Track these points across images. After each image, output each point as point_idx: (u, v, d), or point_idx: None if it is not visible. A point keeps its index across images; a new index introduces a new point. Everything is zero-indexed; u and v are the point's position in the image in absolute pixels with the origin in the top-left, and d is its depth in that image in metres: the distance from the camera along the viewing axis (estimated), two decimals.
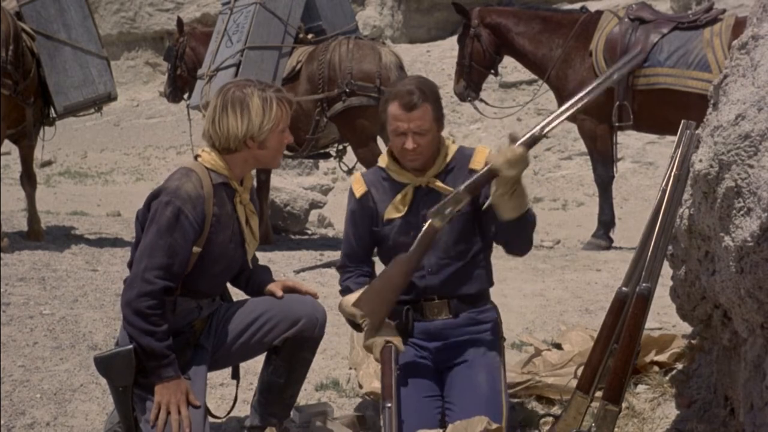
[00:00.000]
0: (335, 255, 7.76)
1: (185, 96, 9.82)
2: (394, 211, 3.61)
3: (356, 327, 3.70)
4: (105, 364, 3.36)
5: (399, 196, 3.60)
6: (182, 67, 9.66)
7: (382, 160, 3.69)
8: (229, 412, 3.81)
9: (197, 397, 3.34)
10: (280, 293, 3.60)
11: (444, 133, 3.73)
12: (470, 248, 3.65)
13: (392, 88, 3.59)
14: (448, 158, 3.62)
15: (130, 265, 3.45)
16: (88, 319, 5.52)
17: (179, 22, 9.96)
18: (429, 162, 3.58)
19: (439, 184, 3.57)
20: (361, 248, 3.74)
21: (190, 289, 3.44)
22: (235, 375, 3.77)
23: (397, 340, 3.50)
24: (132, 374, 3.32)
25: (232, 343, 3.56)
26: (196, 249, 3.35)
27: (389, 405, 3.31)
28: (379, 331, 3.49)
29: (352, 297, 3.56)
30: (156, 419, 3.26)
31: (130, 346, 3.29)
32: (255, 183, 9.66)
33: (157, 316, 3.25)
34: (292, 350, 3.57)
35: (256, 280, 3.71)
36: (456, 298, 3.66)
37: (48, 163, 20.02)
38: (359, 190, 3.69)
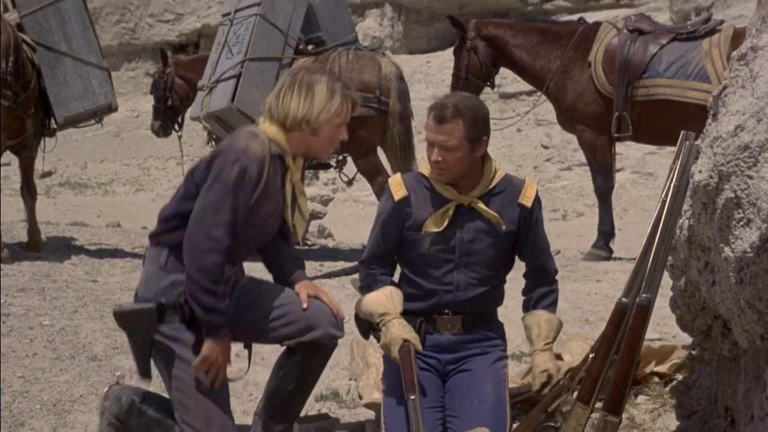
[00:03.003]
0: (335, 266, 7.77)
1: (176, 126, 9.83)
2: (432, 225, 3.62)
3: (366, 332, 3.73)
4: (125, 319, 3.41)
5: (441, 211, 3.61)
6: (173, 98, 9.63)
7: (425, 169, 3.69)
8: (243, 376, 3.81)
9: None
10: (305, 301, 3.58)
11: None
12: (500, 274, 3.77)
13: (436, 101, 3.61)
14: (494, 182, 3.65)
15: (164, 218, 3.51)
16: (88, 329, 5.52)
17: (163, 54, 9.97)
18: (469, 181, 3.61)
19: (481, 206, 3.61)
20: (387, 249, 3.74)
21: None
22: (248, 345, 3.75)
23: (414, 339, 3.54)
24: (153, 330, 3.37)
25: (247, 319, 3.56)
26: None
27: (413, 397, 3.36)
28: (397, 330, 3.53)
29: (373, 296, 3.63)
30: (199, 371, 3.34)
31: (152, 305, 3.36)
32: None
33: (220, 274, 3.31)
34: (306, 355, 3.56)
35: (286, 269, 3.73)
36: (470, 314, 3.70)
37: (48, 174, 20.01)
38: (399, 193, 3.68)
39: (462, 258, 3.63)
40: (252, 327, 3.58)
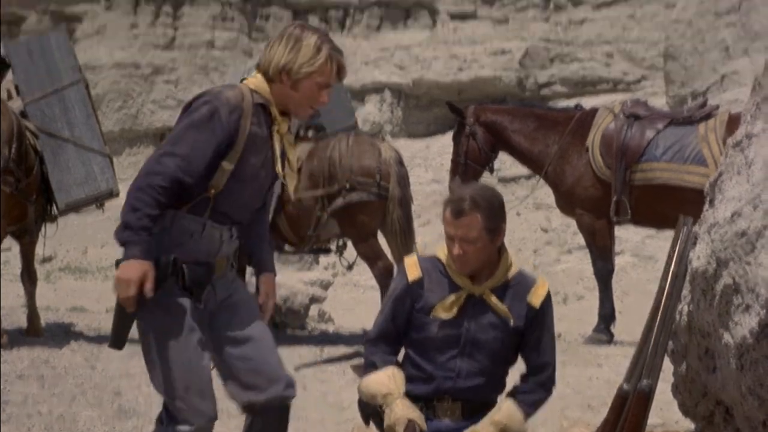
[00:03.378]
0: (336, 351, 7.72)
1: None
2: (442, 311, 3.63)
3: (367, 418, 3.70)
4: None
5: (451, 298, 3.62)
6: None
7: (442, 253, 3.70)
8: None
9: (200, 344, 3.36)
10: (263, 296, 3.67)
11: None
12: (503, 367, 3.76)
13: (451, 194, 3.67)
14: (509, 275, 3.67)
15: None
16: (86, 417, 5.47)
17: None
18: (485, 272, 3.63)
19: (493, 299, 3.62)
20: (395, 328, 3.75)
21: (219, 211, 3.41)
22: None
23: (419, 418, 3.54)
24: (159, 285, 3.27)
25: (218, 341, 3.49)
26: (228, 165, 3.36)
27: None
28: (401, 410, 3.53)
29: (375, 377, 3.62)
30: (116, 291, 3.23)
31: (170, 257, 3.31)
32: (254, 278, 9.61)
33: (153, 197, 3.22)
34: (264, 420, 3.49)
35: (261, 258, 3.77)
36: (470, 402, 3.68)
37: (48, 259, 20.02)
38: (414, 274, 3.69)
39: (467, 347, 3.63)
40: (217, 350, 3.50)
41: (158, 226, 3.32)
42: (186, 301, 3.36)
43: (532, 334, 3.70)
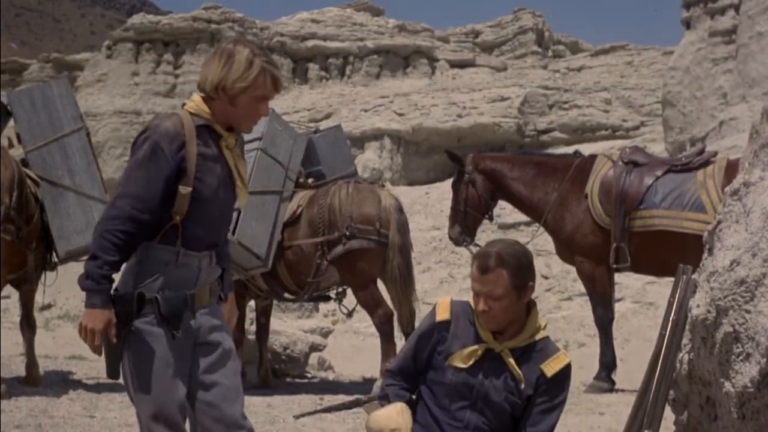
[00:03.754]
0: (336, 399, 7.68)
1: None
2: (458, 360, 3.60)
3: None
4: None
5: (469, 350, 3.59)
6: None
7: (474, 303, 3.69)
8: None
9: (175, 376, 3.40)
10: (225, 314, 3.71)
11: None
12: (512, 428, 3.67)
13: (480, 249, 3.63)
14: (536, 338, 3.59)
15: None
16: None
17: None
18: (511, 330, 3.58)
19: (510, 360, 3.56)
20: (414, 365, 3.73)
21: (190, 237, 3.47)
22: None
23: None
24: (130, 320, 3.37)
25: (190, 380, 3.51)
26: (185, 190, 3.42)
27: None
28: None
29: (384, 412, 3.60)
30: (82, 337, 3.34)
31: (134, 292, 3.38)
32: (254, 325, 9.58)
33: (111, 242, 3.33)
34: None
35: (226, 279, 3.75)
36: None
37: (48, 307, 19.99)
38: (443, 315, 3.67)
39: (478, 401, 3.59)
40: (190, 390, 3.52)
41: (135, 258, 3.44)
42: (161, 333, 3.40)
43: (534, 402, 3.58)
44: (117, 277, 3.50)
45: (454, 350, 3.62)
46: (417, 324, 3.99)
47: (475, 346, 3.59)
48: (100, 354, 3.37)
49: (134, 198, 3.38)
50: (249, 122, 3.59)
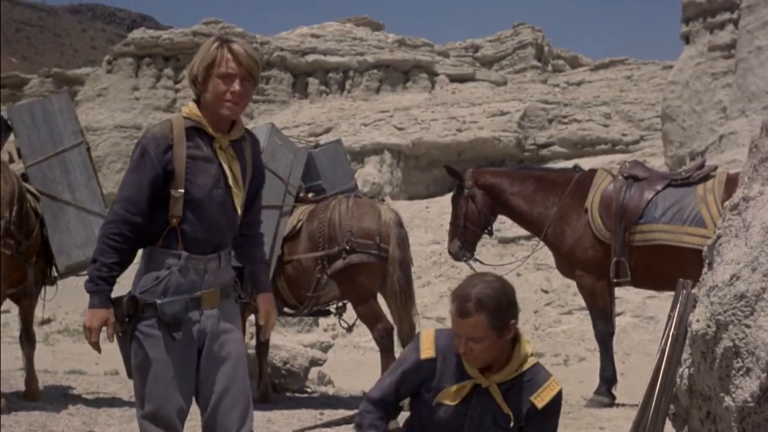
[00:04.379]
0: (336, 413, 7.66)
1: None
2: (446, 398, 3.53)
3: None
4: None
5: (455, 388, 3.52)
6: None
7: None
8: None
9: (182, 375, 3.54)
10: (263, 316, 3.86)
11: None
12: None
13: (459, 287, 3.51)
14: (523, 368, 3.51)
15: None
16: None
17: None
18: (497, 363, 3.50)
19: (497, 394, 3.49)
20: (395, 398, 3.64)
21: (190, 240, 3.57)
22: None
23: None
24: (124, 322, 3.55)
25: (203, 375, 3.62)
26: (176, 192, 3.54)
27: None
28: None
29: None
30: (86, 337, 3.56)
31: (125, 296, 3.55)
32: (254, 340, 9.56)
33: (108, 245, 3.54)
34: None
35: (255, 279, 3.90)
36: None
37: (47, 321, 19.98)
38: (428, 352, 3.57)
39: None
40: (208, 371, 3.63)
41: (141, 262, 3.63)
42: (161, 336, 3.53)
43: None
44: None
45: (443, 386, 3.54)
46: None
47: (463, 383, 3.51)
48: (98, 351, 3.56)
49: (127, 201, 3.55)
50: (221, 104, 3.59)
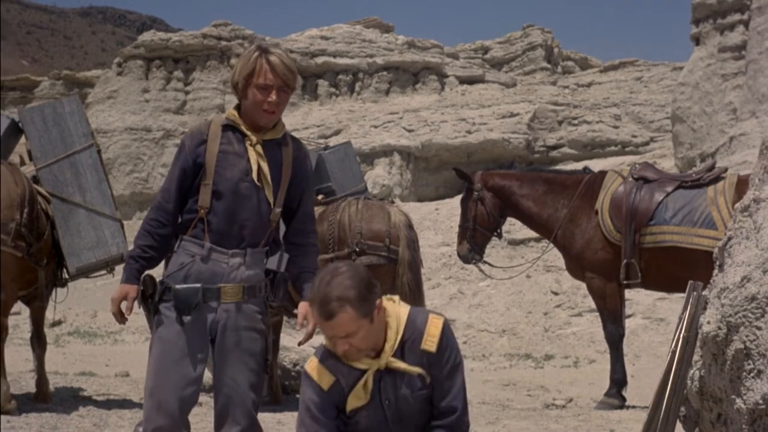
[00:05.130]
0: None
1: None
2: (356, 400, 3.43)
3: None
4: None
5: (360, 385, 3.41)
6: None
7: (330, 344, 3.47)
8: None
9: (188, 358, 3.74)
10: (300, 319, 3.84)
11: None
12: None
13: (315, 289, 3.38)
14: (401, 331, 3.43)
15: None
16: None
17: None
18: (380, 343, 3.41)
19: (398, 364, 3.41)
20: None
21: (215, 231, 3.80)
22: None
23: None
24: (140, 300, 3.84)
25: (220, 359, 3.82)
26: (207, 183, 3.80)
27: None
28: None
29: None
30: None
31: (143, 276, 3.85)
32: None
33: (144, 229, 3.87)
34: None
35: (300, 287, 3.98)
36: None
37: (58, 323, 19.99)
38: (326, 381, 3.45)
39: (396, 420, 3.46)
40: (219, 364, 3.81)
41: (175, 249, 3.89)
42: (173, 318, 3.77)
43: (435, 379, 3.43)
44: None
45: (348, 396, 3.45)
46: None
47: (363, 379, 3.42)
48: (120, 322, 3.88)
49: (163, 191, 3.89)
50: (259, 113, 3.82)
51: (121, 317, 3.83)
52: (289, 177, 3.91)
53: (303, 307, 3.83)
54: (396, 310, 3.47)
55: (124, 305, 3.82)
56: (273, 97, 3.77)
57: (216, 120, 3.91)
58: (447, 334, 3.46)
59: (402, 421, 3.46)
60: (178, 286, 3.76)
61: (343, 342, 3.32)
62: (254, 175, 3.80)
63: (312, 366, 3.51)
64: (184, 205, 3.88)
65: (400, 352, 3.42)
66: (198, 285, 3.74)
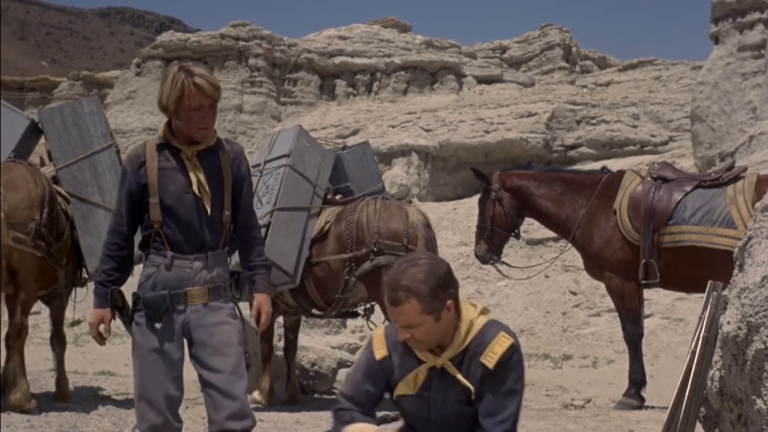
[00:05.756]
0: None
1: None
2: (404, 388, 3.48)
3: None
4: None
5: (411, 375, 3.46)
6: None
7: None
8: None
9: (171, 363, 4.00)
10: (253, 311, 4.17)
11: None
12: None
13: (389, 274, 3.44)
14: (468, 339, 3.41)
15: None
16: None
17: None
18: (446, 339, 3.42)
19: (452, 369, 3.41)
20: (366, 398, 3.55)
21: (173, 241, 4.06)
22: None
23: None
24: (113, 310, 4.10)
25: (194, 361, 4.07)
26: (153, 199, 4.04)
27: None
28: None
29: (360, 427, 3.47)
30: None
31: (114, 288, 4.10)
32: (282, 341, 9.59)
33: (104, 254, 4.14)
34: None
35: (245, 257, 4.31)
36: None
37: (77, 322, 20.08)
38: (380, 353, 3.54)
39: (438, 421, 3.47)
40: (198, 360, 4.06)
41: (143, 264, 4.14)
42: (146, 325, 4.02)
43: (485, 396, 3.38)
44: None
45: (401, 379, 3.49)
46: None
47: (416, 369, 3.46)
48: (100, 344, 4.17)
49: (116, 215, 4.18)
50: (194, 131, 4.07)
51: (101, 339, 4.13)
52: (230, 179, 4.18)
53: (257, 300, 4.20)
54: (471, 317, 3.45)
55: (102, 328, 4.10)
56: (204, 115, 4.04)
57: (150, 141, 4.14)
58: (511, 356, 3.38)
59: (445, 425, 3.46)
60: (146, 295, 4.03)
61: (405, 331, 3.37)
62: (195, 187, 4.06)
63: (378, 333, 3.64)
64: (139, 223, 4.16)
65: (461, 359, 3.41)
66: (165, 292, 4.01)
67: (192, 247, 4.07)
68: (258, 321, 4.21)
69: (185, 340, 4.07)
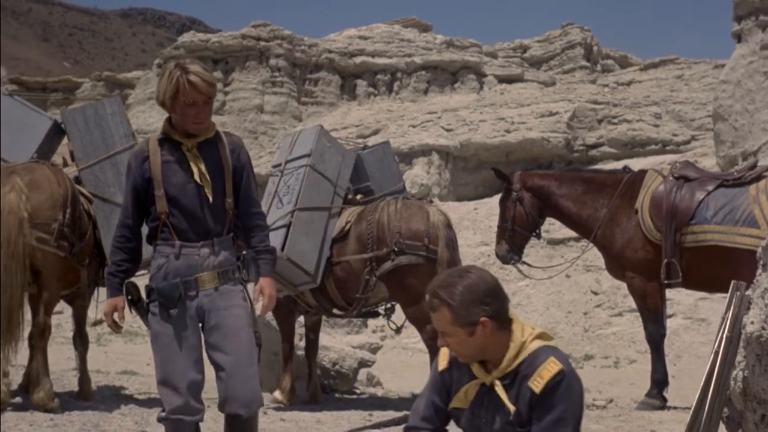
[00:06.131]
0: (384, 415, 7.67)
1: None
2: (458, 402, 3.49)
3: None
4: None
5: (463, 390, 3.47)
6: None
7: None
8: None
9: (188, 350, 4.18)
10: (257, 293, 4.35)
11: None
12: None
13: (434, 279, 3.49)
14: (519, 359, 3.36)
15: None
16: None
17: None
18: (495, 357, 3.38)
19: (499, 389, 3.37)
20: (437, 417, 3.54)
21: (179, 230, 4.25)
22: None
23: None
24: (127, 301, 4.30)
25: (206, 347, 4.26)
26: (158, 192, 4.24)
27: None
28: None
29: None
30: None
31: (129, 280, 4.32)
32: (303, 341, 9.61)
33: (114, 246, 4.39)
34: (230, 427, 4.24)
35: (256, 264, 4.38)
36: None
37: (100, 322, 20.14)
38: (442, 364, 3.57)
39: None
40: (211, 344, 4.24)
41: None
42: (161, 314, 4.20)
43: (534, 422, 3.30)
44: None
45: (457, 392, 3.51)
46: None
47: (468, 384, 3.45)
48: (116, 331, 4.39)
49: (123, 209, 4.41)
50: (190, 125, 4.28)
51: (116, 327, 4.31)
52: (230, 168, 4.36)
53: (260, 283, 4.35)
54: (523, 339, 3.38)
55: (116, 316, 4.29)
56: (199, 110, 4.24)
57: (153, 137, 4.34)
58: (559, 383, 3.29)
59: None
60: (159, 285, 4.21)
61: (442, 337, 3.42)
62: (197, 177, 4.26)
63: (443, 348, 3.60)
64: (146, 216, 4.36)
65: (512, 380, 3.36)
66: (177, 280, 4.19)
67: (198, 234, 4.25)
68: (262, 305, 4.41)
69: (200, 325, 4.25)
